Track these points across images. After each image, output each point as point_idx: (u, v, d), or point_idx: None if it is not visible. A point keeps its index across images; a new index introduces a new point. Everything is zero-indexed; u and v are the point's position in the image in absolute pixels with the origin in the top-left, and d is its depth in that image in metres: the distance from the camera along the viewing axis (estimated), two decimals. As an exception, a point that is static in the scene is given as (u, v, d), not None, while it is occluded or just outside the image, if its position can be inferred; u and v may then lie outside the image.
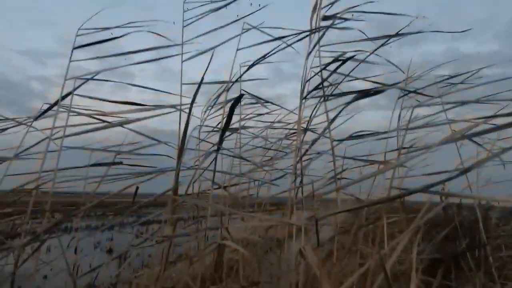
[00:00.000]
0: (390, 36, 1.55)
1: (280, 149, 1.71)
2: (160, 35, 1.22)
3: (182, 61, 1.39)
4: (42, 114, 1.06)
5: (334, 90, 1.70)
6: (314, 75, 1.64)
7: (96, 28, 1.12)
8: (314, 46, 1.65)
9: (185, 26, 1.60)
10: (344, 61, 1.61)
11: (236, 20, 1.71)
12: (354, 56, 1.60)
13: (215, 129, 1.38)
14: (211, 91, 1.69)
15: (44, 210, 0.96)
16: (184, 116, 1.24)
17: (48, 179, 0.99)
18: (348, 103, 1.60)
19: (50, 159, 1.14)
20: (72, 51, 1.10)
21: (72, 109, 1.03)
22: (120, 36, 1.15)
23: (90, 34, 1.12)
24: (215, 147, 1.37)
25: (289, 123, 2.04)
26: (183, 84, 1.39)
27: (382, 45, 1.54)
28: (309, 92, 1.57)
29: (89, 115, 1.03)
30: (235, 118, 1.82)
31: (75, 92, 1.06)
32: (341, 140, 1.50)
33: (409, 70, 1.87)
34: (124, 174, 1.05)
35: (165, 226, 1.24)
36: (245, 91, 1.11)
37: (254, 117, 1.73)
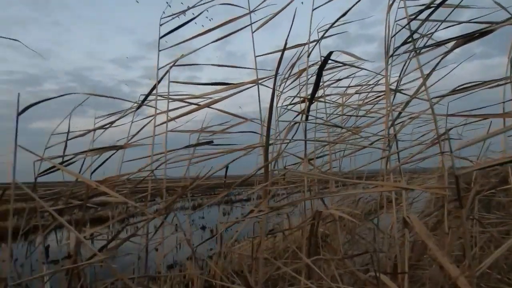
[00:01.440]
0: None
1: (367, 115, 1.57)
2: (232, 4, 1.21)
3: (253, 32, 1.36)
4: (144, 100, 1.18)
5: (427, 41, 1.47)
6: (401, 29, 1.44)
7: (174, 14, 1.18)
8: (398, -6, 1.44)
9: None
10: (438, 6, 1.37)
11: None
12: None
13: (297, 98, 1.33)
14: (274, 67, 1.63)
15: (161, 189, 1.09)
16: (263, 91, 1.23)
17: (161, 161, 1.11)
18: (447, 52, 1.37)
19: (151, 144, 1.28)
20: (159, 40, 1.18)
21: (169, 96, 1.13)
22: (198, 15, 1.18)
23: (172, 20, 1.19)
24: (293, 119, 1.33)
25: (369, 85, 1.86)
26: (257, 56, 1.37)
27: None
28: (397, 48, 1.39)
29: (182, 100, 1.11)
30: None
31: (168, 80, 1.14)
32: (442, 96, 1.29)
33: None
34: (217, 153, 1.11)
35: (253, 203, 1.28)
36: (333, 52, 1.01)
37: (332, 83, 1.62)
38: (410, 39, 1.43)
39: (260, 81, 1.12)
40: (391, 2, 1.45)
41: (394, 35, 1.47)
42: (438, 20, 1.42)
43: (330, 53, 0.87)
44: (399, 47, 1.44)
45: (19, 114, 0.85)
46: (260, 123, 1.23)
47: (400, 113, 1.39)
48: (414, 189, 1.13)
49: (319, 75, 0.87)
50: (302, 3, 1.56)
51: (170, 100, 1.12)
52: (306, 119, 1.05)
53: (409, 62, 1.53)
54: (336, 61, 1.51)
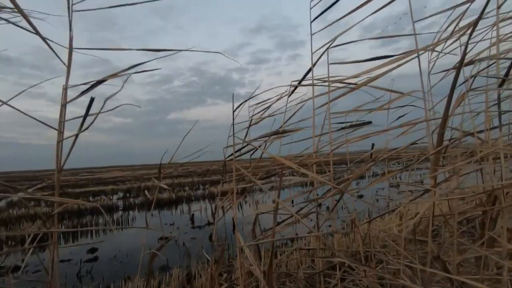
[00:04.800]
0: None
1: None
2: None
3: None
4: (297, 86, 1.22)
5: None
6: None
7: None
8: None
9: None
10: None
11: None
12: None
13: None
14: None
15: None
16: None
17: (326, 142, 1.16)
18: None
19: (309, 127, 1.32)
20: (310, 24, 1.19)
21: (329, 78, 1.13)
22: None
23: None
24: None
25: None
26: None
27: None
28: None
29: (341, 81, 1.09)
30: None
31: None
32: None
33: None
34: (378, 132, 1.05)
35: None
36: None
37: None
38: None
39: (421, 52, 0.98)
40: None
41: None
42: None
43: None
44: None
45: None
46: (422, 96, 1.08)
47: None
48: None
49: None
50: None
51: (335, 88, 1.11)
52: (501, 85, 0.84)
53: None
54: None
